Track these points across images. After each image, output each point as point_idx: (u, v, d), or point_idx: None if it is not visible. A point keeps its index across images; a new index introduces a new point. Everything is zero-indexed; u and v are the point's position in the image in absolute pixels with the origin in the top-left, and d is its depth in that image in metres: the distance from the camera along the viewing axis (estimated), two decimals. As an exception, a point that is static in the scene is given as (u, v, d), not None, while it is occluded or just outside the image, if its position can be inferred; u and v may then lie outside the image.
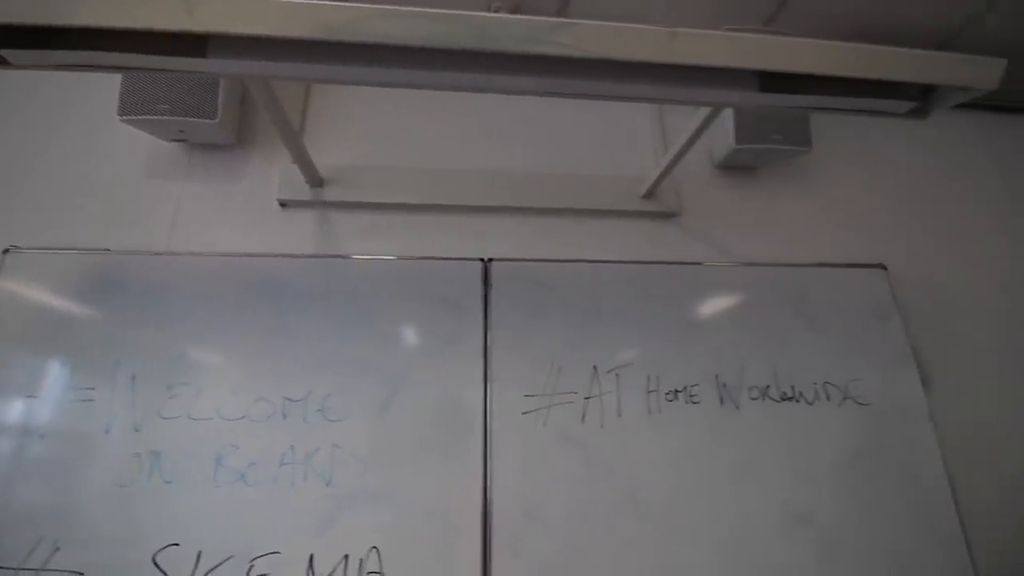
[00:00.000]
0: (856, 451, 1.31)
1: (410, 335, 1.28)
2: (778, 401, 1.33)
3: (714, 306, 1.42)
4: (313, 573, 1.05)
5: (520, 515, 1.14)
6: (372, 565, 1.07)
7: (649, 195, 1.56)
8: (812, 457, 1.29)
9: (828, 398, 1.35)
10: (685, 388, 1.31)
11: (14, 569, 1.00)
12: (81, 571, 1.01)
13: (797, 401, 1.34)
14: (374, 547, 1.08)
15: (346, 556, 1.07)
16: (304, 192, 1.43)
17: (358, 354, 1.23)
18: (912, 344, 1.45)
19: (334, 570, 1.05)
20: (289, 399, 1.17)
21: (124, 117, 1.33)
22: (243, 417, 1.15)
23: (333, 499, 1.11)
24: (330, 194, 1.44)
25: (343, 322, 1.25)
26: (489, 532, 1.12)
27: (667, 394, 1.29)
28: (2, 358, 1.15)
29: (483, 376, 1.25)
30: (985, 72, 1.06)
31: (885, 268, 1.53)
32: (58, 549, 1.02)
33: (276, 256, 1.33)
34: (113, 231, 1.36)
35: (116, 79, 1.32)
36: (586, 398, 1.26)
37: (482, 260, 1.37)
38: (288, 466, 1.12)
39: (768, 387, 1.34)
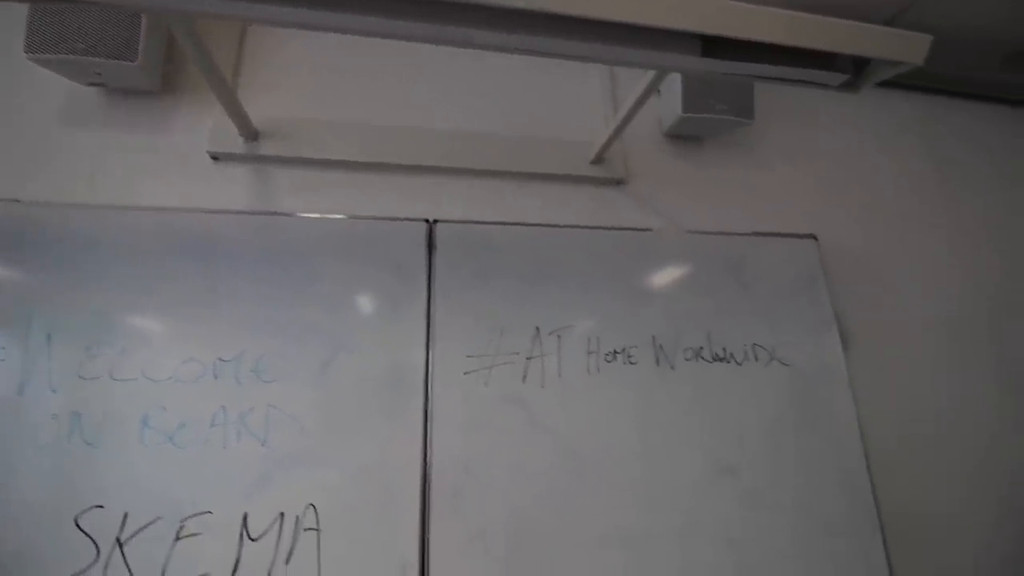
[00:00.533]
0: (779, 408, 1.40)
1: (351, 295, 1.25)
2: (710, 362, 1.40)
3: (655, 271, 1.46)
4: (247, 531, 1.04)
5: (460, 472, 1.17)
6: (309, 522, 1.07)
7: (598, 161, 1.56)
8: (739, 414, 1.37)
9: (756, 359, 1.43)
10: (624, 349, 1.35)
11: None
12: (-4, 535, 0.97)
13: (728, 362, 1.41)
14: (311, 505, 1.08)
15: (282, 514, 1.06)
16: (238, 145, 1.36)
17: (295, 314, 1.20)
18: (836, 310, 1.54)
19: (269, 528, 1.05)
20: (221, 359, 1.13)
21: (32, 55, 1.21)
22: (171, 378, 1.10)
23: (268, 459, 1.09)
24: (266, 148, 1.37)
25: (278, 281, 1.21)
26: (429, 489, 1.14)
27: (606, 355, 1.33)
28: None
29: (425, 336, 1.25)
30: (913, 47, 1.10)
31: (816, 239, 1.60)
32: (-33, 513, 0.97)
33: (207, 212, 1.26)
34: (23, 181, 1.26)
35: (22, 11, 1.19)
36: (528, 358, 1.28)
37: (427, 221, 1.35)
38: (219, 427, 1.09)
39: (702, 348, 1.40)
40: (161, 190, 1.30)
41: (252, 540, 1.04)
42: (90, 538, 0.99)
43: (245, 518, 1.05)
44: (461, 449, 1.18)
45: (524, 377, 1.27)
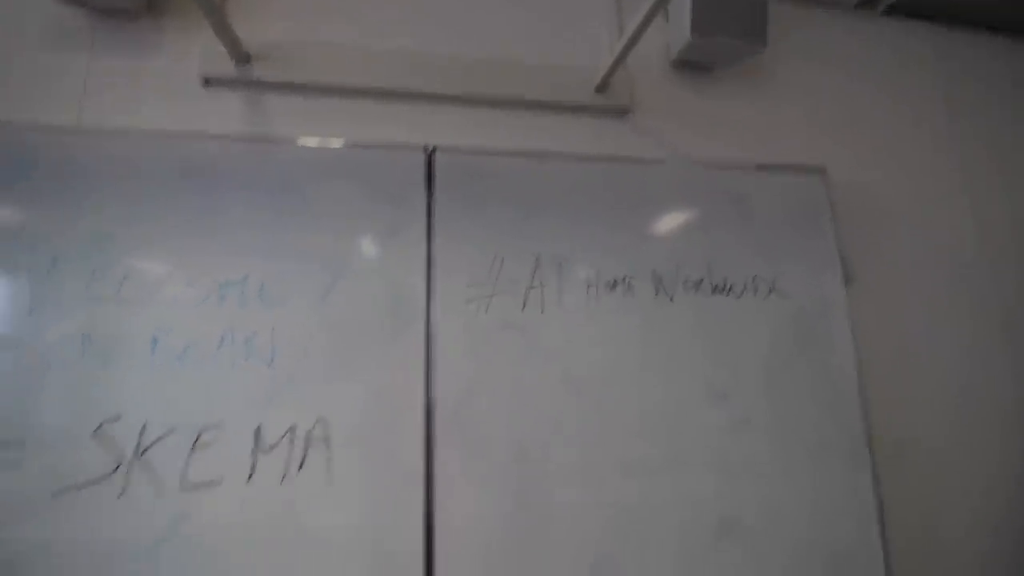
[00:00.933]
0: (777, 340, 1.42)
1: (350, 223, 1.25)
2: (710, 293, 1.41)
3: (658, 202, 1.44)
4: (260, 442, 1.10)
5: (463, 394, 1.21)
6: (318, 435, 1.12)
7: (602, 89, 1.51)
8: (735, 344, 1.39)
9: (756, 292, 1.44)
10: (624, 279, 1.36)
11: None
12: (22, 440, 1.03)
13: (727, 294, 1.42)
14: (320, 419, 1.13)
15: (292, 427, 1.11)
16: (229, 69, 1.31)
17: (295, 241, 1.20)
18: (840, 246, 1.53)
19: (280, 440, 1.10)
20: (224, 284, 1.15)
21: (8, -30, 1.16)
22: (176, 301, 1.12)
23: (275, 379, 1.13)
24: (259, 73, 1.33)
25: (277, 208, 1.21)
26: (432, 409, 1.19)
27: (606, 285, 1.34)
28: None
29: (425, 264, 1.25)
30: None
31: (824, 172, 1.57)
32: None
33: (202, 137, 1.23)
34: (10, 106, 1.23)
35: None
36: (528, 287, 1.29)
37: (426, 149, 1.33)
38: (227, 348, 1.12)
39: (701, 280, 1.41)
40: (153, 116, 1.28)
41: (265, 450, 1.09)
42: (110, 449, 1.04)
43: (257, 430, 1.10)
44: (462, 372, 1.22)
45: (524, 305, 1.28)
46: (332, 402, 1.14)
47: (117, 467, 1.04)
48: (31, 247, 1.10)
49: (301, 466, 1.10)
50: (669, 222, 1.44)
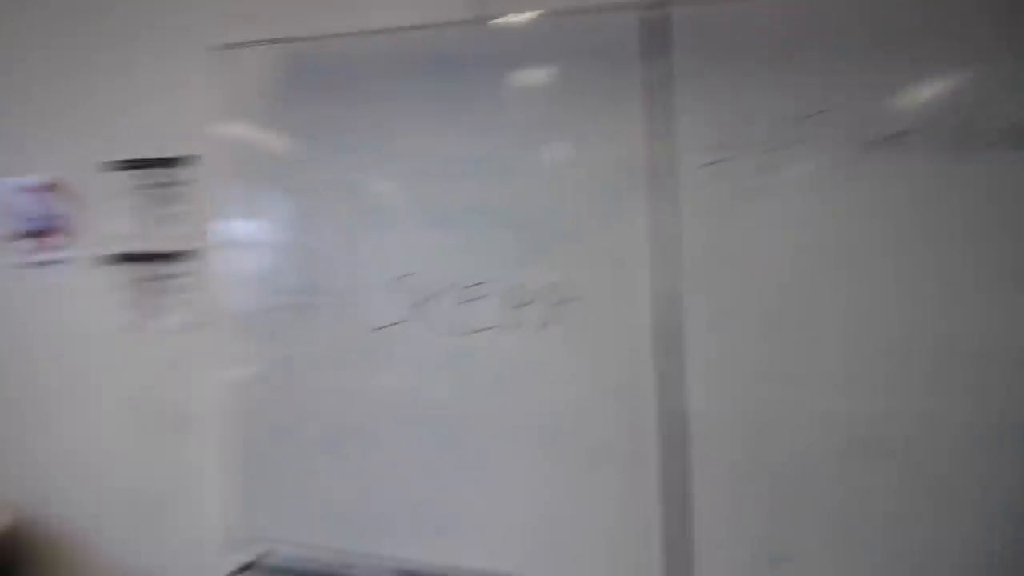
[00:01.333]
0: None
1: (578, 92, 1.25)
2: (1030, 144, 1.08)
3: (941, 31, 1.11)
4: (515, 299, 1.28)
5: (699, 259, 1.20)
6: (563, 295, 1.26)
7: None
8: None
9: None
10: (897, 134, 1.12)
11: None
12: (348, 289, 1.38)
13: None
14: (563, 281, 1.26)
15: (541, 288, 1.27)
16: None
17: (527, 117, 1.27)
18: None
19: (531, 299, 1.27)
20: (470, 159, 1.30)
21: None
22: (430, 175, 1.32)
23: (522, 243, 1.28)
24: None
25: (505, 85, 1.28)
26: (679, 275, 1.20)
27: (874, 141, 1.12)
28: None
29: (658, 129, 1.21)
30: None
31: None
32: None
33: (426, 27, 1.33)
34: (288, 19, 1.47)
35: None
36: (774, 149, 1.16)
37: (654, 5, 1.22)
38: (481, 216, 1.29)
39: (1019, 126, 1.08)
40: (385, 11, 1.39)
41: (520, 305, 1.28)
42: (406, 297, 1.35)
43: (512, 289, 1.28)
44: (698, 236, 1.19)
45: (770, 169, 1.16)
46: (574, 265, 1.25)
47: (411, 313, 1.34)
48: (313, 139, 1.39)
49: (550, 321, 1.26)
50: (960, 52, 1.10)
